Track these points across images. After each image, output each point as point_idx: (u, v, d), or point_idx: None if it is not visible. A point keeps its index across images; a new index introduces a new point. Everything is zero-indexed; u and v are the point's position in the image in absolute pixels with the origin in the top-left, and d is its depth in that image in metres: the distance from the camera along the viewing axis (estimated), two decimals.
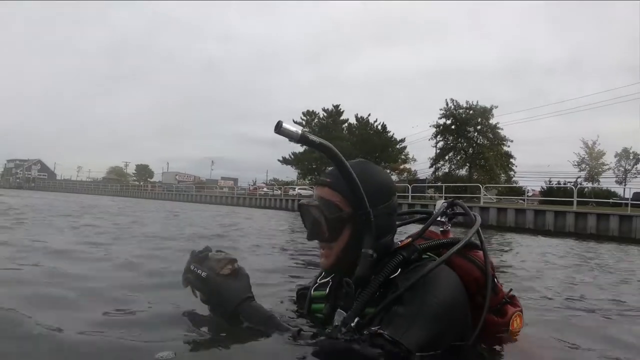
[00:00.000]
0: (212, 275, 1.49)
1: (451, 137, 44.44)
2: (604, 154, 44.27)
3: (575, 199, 19.55)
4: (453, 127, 43.84)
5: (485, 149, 42.45)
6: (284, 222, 13.01)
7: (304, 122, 52.38)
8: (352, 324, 1.37)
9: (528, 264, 5.50)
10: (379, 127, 49.90)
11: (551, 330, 2.06)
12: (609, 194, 33.77)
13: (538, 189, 36.74)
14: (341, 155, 1.40)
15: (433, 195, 32.36)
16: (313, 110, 53.74)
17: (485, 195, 24.12)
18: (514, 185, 38.69)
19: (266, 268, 3.45)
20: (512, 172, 43.62)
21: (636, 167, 44.82)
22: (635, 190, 25.40)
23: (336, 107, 52.97)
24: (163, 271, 2.86)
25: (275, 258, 4.51)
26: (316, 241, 1.60)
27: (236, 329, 1.49)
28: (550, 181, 37.99)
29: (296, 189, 41.55)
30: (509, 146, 43.36)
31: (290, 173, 60.06)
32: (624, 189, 34.95)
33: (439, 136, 44.73)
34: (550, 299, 2.92)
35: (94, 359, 1.36)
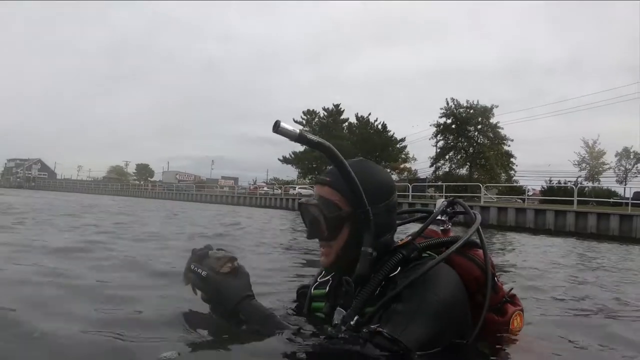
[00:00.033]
0: (212, 274, 1.49)
1: (451, 137, 44.43)
2: (605, 153, 44.33)
3: (575, 199, 19.55)
4: (453, 126, 43.83)
5: (485, 148, 42.44)
6: (284, 221, 13.02)
7: (304, 122, 52.43)
8: (352, 322, 1.37)
9: (531, 263, 5.50)
10: (379, 126, 49.96)
11: (553, 329, 2.06)
12: (610, 193, 33.74)
13: (538, 188, 36.77)
14: (339, 154, 1.39)
15: (433, 194, 32.35)
16: (313, 110, 53.82)
17: (485, 194, 24.12)
18: (515, 184, 38.67)
19: (267, 267, 3.46)
20: (512, 172, 43.64)
21: (637, 167, 44.90)
22: (636, 190, 25.36)
23: (336, 106, 53.00)
24: (164, 270, 2.86)
25: (276, 257, 4.52)
26: (316, 240, 1.60)
27: (237, 329, 1.49)
28: (550, 180, 38.01)
29: (296, 188, 41.52)
30: (509, 145, 43.41)
31: (290, 172, 60.20)
32: (625, 188, 34.94)
33: (439, 135, 44.72)
34: (555, 298, 2.92)
35: (96, 359, 1.36)
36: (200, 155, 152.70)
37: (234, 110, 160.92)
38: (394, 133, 50.20)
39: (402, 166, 51.57)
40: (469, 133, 43.52)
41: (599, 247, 10.22)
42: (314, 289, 1.75)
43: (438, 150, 45.27)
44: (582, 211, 17.88)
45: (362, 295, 1.42)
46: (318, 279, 1.77)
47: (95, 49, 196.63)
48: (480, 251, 1.60)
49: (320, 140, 1.37)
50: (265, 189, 48.41)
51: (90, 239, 4.82)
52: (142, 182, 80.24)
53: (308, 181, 48.72)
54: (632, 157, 44.92)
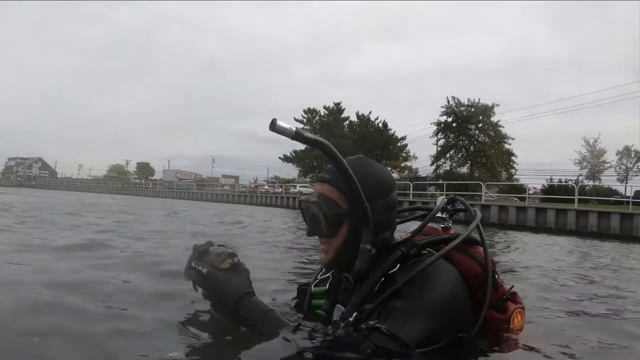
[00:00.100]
0: (213, 271, 1.50)
1: (452, 135, 44.46)
2: (605, 152, 44.35)
3: (576, 197, 19.54)
4: (454, 124, 43.84)
5: (486, 146, 42.46)
6: (285, 219, 13.02)
7: (304, 120, 52.46)
8: (351, 319, 1.38)
9: (534, 262, 5.49)
10: (380, 124, 49.97)
11: (555, 327, 2.06)
12: (611, 192, 33.73)
13: (539, 186, 36.74)
14: (337, 152, 1.40)
15: (434, 193, 32.33)
16: (314, 108, 53.83)
17: (486, 193, 24.11)
18: (515, 183, 38.65)
19: (267, 265, 3.46)
20: (513, 170, 43.65)
21: (637, 165, 44.89)
22: (637, 189, 25.27)
23: (337, 104, 53.00)
24: (166, 268, 2.86)
25: (277, 255, 4.52)
26: (317, 237, 1.61)
27: (237, 325, 1.49)
28: (551, 179, 37.97)
29: (297, 187, 41.51)
30: (510, 144, 43.44)
31: (291, 171, 60.19)
32: (626, 187, 35.05)
33: (440, 134, 44.74)
34: (558, 297, 2.91)
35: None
36: (200, 154, 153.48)
37: (234, 109, 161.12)
38: (394, 131, 50.28)
39: (402, 165, 51.56)
40: (470, 131, 43.54)
41: (602, 246, 10.21)
42: (314, 287, 1.76)
43: (439, 148, 45.32)
44: (583, 210, 17.85)
45: (361, 292, 1.42)
46: (318, 277, 1.78)
47: (96, 48, 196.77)
48: (481, 248, 1.60)
49: (317, 137, 1.37)
50: (266, 187, 48.38)
51: (91, 237, 4.82)
52: (142, 181, 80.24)
53: (309, 180, 48.73)
54: (632, 155, 44.93)
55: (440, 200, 1.75)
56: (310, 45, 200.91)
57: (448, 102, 43.79)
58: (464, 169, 44.35)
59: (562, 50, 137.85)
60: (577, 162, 44.69)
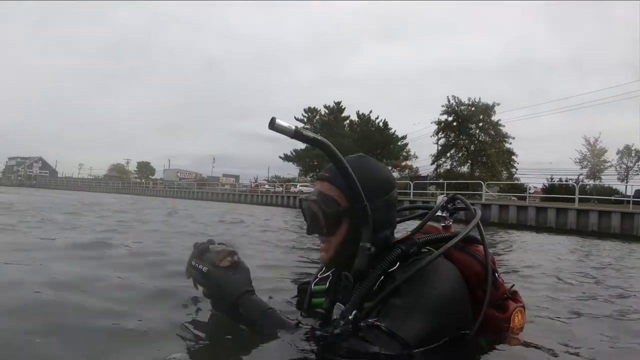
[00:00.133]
0: (213, 270, 1.50)
1: (453, 134, 44.46)
2: (606, 151, 44.34)
3: (577, 196, 19.56)
4: (455, 123, 43.84)
5: (487, 145, 42.46)
6: (285, 219, 13.02)
7: (305, 119, 52.44)
8: (350, 317, 1.38)
9: (537, 261, 5.48)
10: (381, 124, 49.95)
11: (558, 326, 2.06)
12: (611, 191, 33.72)
13: (540, 186, 36.73)
14: (336, 150, 1.40)
15: (435, 192, 32.35)
16: (314, 107, 53.82)
17: (487, 192, 24.12)
18: (516, 182, 38.64)
19: (268, 264, 3.46)
20: (513, 169, 43.66)
21: (638, 164, 44.83)
22: (637, 188, 25.27)
23: (337, 104, 53.00)
24: (166, 268, 2.86)
25: (277, 254, 4.52)
26: (317, 236, 1.61)
27: (237, 324, 1.49)
28: (552, 178, 37.95)
29: (298, 186, 41.53)
30: (510, 143, 43.45)
31: (291, 170, 60.19)
32: (626, 186, 35.02)
33: (440, 133, 44.74)
34: (561, 297, 2.91)
35: None
36: (201, 153, 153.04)
37: (235, 109, 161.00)
38: (395, 131, 50.26)
39: (403, 164, 51.57)
40: (471, 131, 43.54)
41: (603, 245, 10.21)
42: (314, 285, 1.77)
43: (439, 147, 45.32)
44: (584, 209, 17.86)
45: (360, 290, 1.42)
46: (318, 275, 1.79)
47: (96, 48, 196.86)
48: (481, 247, 1.60)
49: (316, 136, 1.37)
50: (266, 186, 48.37)
51: (91, 237, 4.83)
52: (143, 180, 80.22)
53: (309, 179, 48.73)
54: (633, 154, 44.90)
55: (440, 198, 1.75)
56: (310, 45, 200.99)
57: (448, 101, 43.84)
58: (465, 168, 44.38)
59: (562, 50, 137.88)
60: (578, 161, 44.78)
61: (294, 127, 1.32)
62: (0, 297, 1.89)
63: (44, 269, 2.63)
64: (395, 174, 44.59)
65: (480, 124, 43.30)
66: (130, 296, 2.06)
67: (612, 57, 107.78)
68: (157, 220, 8.72)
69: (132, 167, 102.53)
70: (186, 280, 1.58)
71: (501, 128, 43.08)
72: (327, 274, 1.73)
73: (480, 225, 1.61)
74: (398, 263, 1.47)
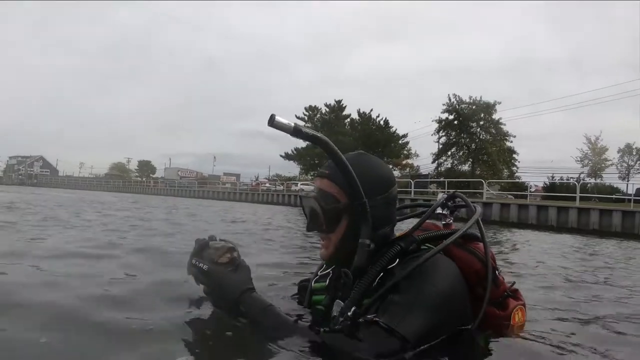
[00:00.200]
0: (213, 268, 1.51)
1: (454, 133, 44.48)
2: (607, 149, 44.32)
3: (578, 195, 19.55)
4: (456, 122, 43.84)
5: (488, 144, 42.46)
6: (286, 217, 13.03)
7: (306, 118, 52.41)
8: (349, 314, 1.38)
9: (538, 260, 5.47)
10: (382, 122, 49.93)
11: (560, 325, 2.05)
12: (612, 189, 33.68)
13: (541, 184, 36.72)
14: (335, 147, 1.40)
15: (435, 190, 32.33)
16: (315, 106, 53.80)
17: (487, 190, 24.13)
18: (517, 180, 38.63)
19: (268, 261, 3.46)
20: (514, 168, 43.64)
21: (639, 163, 44.74)
22: (638, 186, 25.27)
23: (338, 102, 52.96)
24: (168, 266, 2.86)
25: (278, 252, 4.52)
26: (317, 234, 1.61)
27: (238, 322, 1.50)
28: (553, 177, 37.94)
29: (298, 185, 41.57)
30: (511, 141, 43.46)
31: (292, 168, 60.25)
32: (627, 184, 34.96)
33: (441, 131, 44.73)
34: (565, 296, 2.90)
35: None
36: (202, 152, 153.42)
37: (235, 109, 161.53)
38: (396, 129, 50.24)
39: (404, 162, 51.56)
40: (472, 129, 43.55)
41: (606, 244, 10.19)
42: (314, 282, 1.77)
43: (440, 146, 45.31)
44: (585, 207, 17.85)
45: (359, 287, 1.42)
46: (319, 273, 1.79)
47: (96, 48, 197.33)
48: (481, 244, 1.60)
49: (315, 133, 1.37)
50: (267, 185, 48.44)
51: (92, 236, 4.83)
52: (144, 179, 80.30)
53: (310, 177, 48.73)
54: (634, 153, 44.84)
55: (440, 196, 1.75)
56: (310, 45, 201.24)
57: (449, 99, 43.86)
58: (466, 167, 44.39)
59: (562, 50, 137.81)
60: (579, 159, 44.74)
61: (293, 124, 1.32)
62: (4, 296, 1.89)
63: (46, 268, 2.63)
64: (396, 173, 44.68)
65: (482, 123, 43.31)
66: (132, 294, 2.06)
67: (612, 57, 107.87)
68: (158, 219, 8.73)
69: (133, 165, 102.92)
70: (187, 276, 1.59)
71: (502, 126, 43.13)
72: (327, 271, 1.73)
73: (480, 222, 1.60)
74: (397, 260, 1.47)
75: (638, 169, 44.52)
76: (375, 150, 43.69)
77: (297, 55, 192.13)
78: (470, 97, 43.44)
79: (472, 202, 1.70)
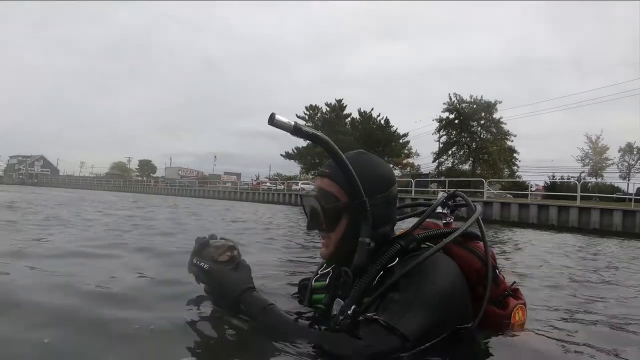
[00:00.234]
0: (213, 267, 1.51)
1: (454, 132, 44.46)
2: (608, 149, 44.27)
3: (578, 194, 19.55)
4: (456, 121, 43.81)
5: (488, 143, 42.43)
6: (287, 216, 13.03)
7: (307, 117, 52.37)
8: (349, 312, 1.38)
9: (539, 259, 5.47)
10: (382, 121, 49.90)
11: (561, 324, 2.05)
12: (613, 189, 33.66)
13: (541, 183, 36.72)
14: (335, 146, 1.40)
15: (436, 189, 32.33)
16: (316, 105, 53.73)
17: (488, 189, 24.13)
18: (518, 180, 38.61)
19: (269, 261, 3.46)
20: (515, 167, 43.61)
21: None
22: (639, 186, 25.28)
23: (339, 101, 52.92)
24: (169, 265, 2.86)
25: (279, 252, 4.52)
26: (318, 233, 1.62)
27: (238, 320, 1.50)
28: (553, 176, 37.96)
29: (299, 184, 41.56)
30: (512, 141, 43.43)
31: (293, 168, 60.24)
32: (628, 184, 34.94)
33: (442, 130, 44.71)
34: (568, 295, 2.90)
35: None
36: (202, 151, 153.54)
37: (235, 108, 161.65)
38: (396, 128, 50.20)
39: (405, 161, 51.55)
40: (472, 128, 43.52)
41: (607, 243, 10.18)
42: (314, 281, 1.77)
43: (441, 145, 45.28)
44: (585, 207, 17.85)
45: (359, 285, 1.42)
46: (319, 272, 1.79)
47: (96, 48, 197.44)
48: (481, 243, 1.60)
49: (315, 132, 1.37)
50: (268, 184, 48.45)
51: (93, 235, 4.84)
52: (144, 178, 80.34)
53: (311, 177, 48.72)
54: (635, 152, 44.79)
55: (440, 195, 1.75)
56: (310, 45, 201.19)
57: (450, 98, 43.82)
58: (466, 166, 44.35)
59: (562, 50, 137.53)
60: (580, 159, 44.70)
61: (293, 123, 1.32)
62: (5, 296, 1.89)
63: (47, 267, 2.63)
64: (397, 172, 44.70)
65: (482, 122, 43.27)
66: (133, 294, 2.06)
67: (612, 57, 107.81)
68: (159, 218, 8.73)
69: (134, 165, 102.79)
70: (188, 275, 1.60)
71: (503, 126, 43.09)
72: (327, 270, 1.74)
73: (480, 221, 1.61)
74: (397, 258, 1.47)
75: (639, 168, 44.51)
76: (376, 150, 43.68)
77: (297, 55, 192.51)
78: (471, 96, 43.44)
79: (473, 201, 1.71)
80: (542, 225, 17.54)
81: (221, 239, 1.62)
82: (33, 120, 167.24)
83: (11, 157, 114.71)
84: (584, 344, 1.74)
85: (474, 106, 43.00)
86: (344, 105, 52.94)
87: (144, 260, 3.12)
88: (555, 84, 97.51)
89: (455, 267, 1.49)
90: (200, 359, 1.39)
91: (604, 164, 44.34)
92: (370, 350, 1.25)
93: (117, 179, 76.48)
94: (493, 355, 1.47)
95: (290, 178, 53.08)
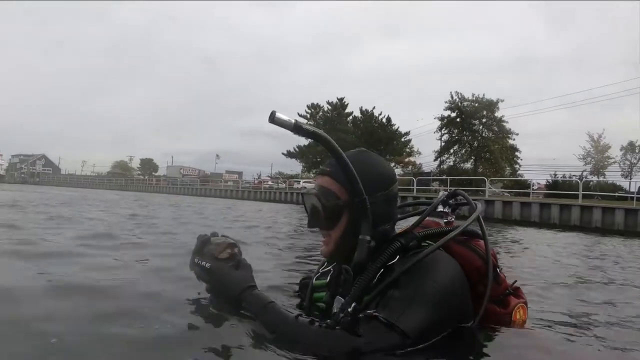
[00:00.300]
0: (214, 266, 1.52)
1: (456, 130, 44.37)
2: (610, 147, 44.13)
3: (580, 193, 19.52)
4: (458, 119, 43.75)
5: (490, 142, 42.37)
6: (288, 215, 13.03)
7: (308, 115, 52.39)
8: (349, 310, 1.38)
9: (542, 258, 5.47)
10: (384, 120, 49.88)
11: (558, 323, 2.05)
12: (615, 187, 33.63)
13: (543, 182, 36.64)
14: (336, 144, 1.40)
15: (438, 188, 32.31)
16: (317, 104, 53.76)
17: (490, 188, 24.11)
18: (520, 178, 38.56)
19: (270, 260, 3.47)
20: (517, 166, 43.55)
21: None
22: None
23: (340, 100, 52.92)
24: (169, 264, 2.86)
25: (280, 251, 4.52)
26: (319, 231, 1.62)
27: (239, 320, 1.50)
28: (555, 174, 37.88)
29: (301, 182, 41.53)
30: (514, 139, 43.33)
31: (295, 166, 60.26)
32: (630, 182, 34.90)
33: (444, 129, 44.64)
34: (570, 295, 2.90)
35: None
36: (204, 149, 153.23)
37: (236, 107, 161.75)
38: (398, 127, 50.19)
39: (406, 160, 51.48)
40: (474, 127, 43.44)
41: (611, 242, 10.17)
42: (315, 280, 1.77)
43: (443, 144, 45.22)
44: (587, 205, 17.83)
45: (359, 283, 1.43)
46: (320, 270, 1.80)
47: (99, 45, 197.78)
48: (482, 242, 1.60)
49: (316, 130, 1.38)
50: (269, 183, 48.50)
51: (95, 234, 4.84)
52: (146, 177, 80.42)
53: (312, 175, 48.71)
54: (637, 151, 44.66)
55: (441, 194, 1.75)
56: (310, 45, 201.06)
57: (452, 97, 43.75)
58: (468, 165, 44.30)
59: (563, 49, 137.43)
60: (582, 157, 44.57)
61: (293, 121, 1.32)
62: (6, 295, 1.89)
63: (48, 267, 2.63)
64: (399, 171, 44.68)
65: (484, 120, 43.20)
66: (135, 293, 2.06)
67: (612, 57, 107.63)
68: (161, 217, 8.74)
69: (135, 164, 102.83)
70: (190, 273, 1.61)
71: (505, 124, 43.02)
72: (328, 268, 1.74)
73: (481, 219, 1.61)
74: (397, 256, 1.47)
75: None
76: (377, 148, 43.67)
77: (297, 55, 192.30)
78: (472, 95, 43.38)
79: (474, 200, 1.70)
80: (544, 223, 17.53)
81: (222, 236, 1.63)
82: (34, 120, 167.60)
83: (13, 156, 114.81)
84: (585, 344, 1.74)
85: (476, 104, 42.92)
86: (346, 103, 52.96)
87: (146, 259, 3.12)
88: (555, 84, 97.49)
89: (456, 265, 1.49)
90: (204, 358, 1.39)
91: (605, 163, 44.21)
92: (371, 347, 1.25)
93: (119, 177, 76.56)
94: (493, 354, 1.47)
95: (292, 177, 53.07)
